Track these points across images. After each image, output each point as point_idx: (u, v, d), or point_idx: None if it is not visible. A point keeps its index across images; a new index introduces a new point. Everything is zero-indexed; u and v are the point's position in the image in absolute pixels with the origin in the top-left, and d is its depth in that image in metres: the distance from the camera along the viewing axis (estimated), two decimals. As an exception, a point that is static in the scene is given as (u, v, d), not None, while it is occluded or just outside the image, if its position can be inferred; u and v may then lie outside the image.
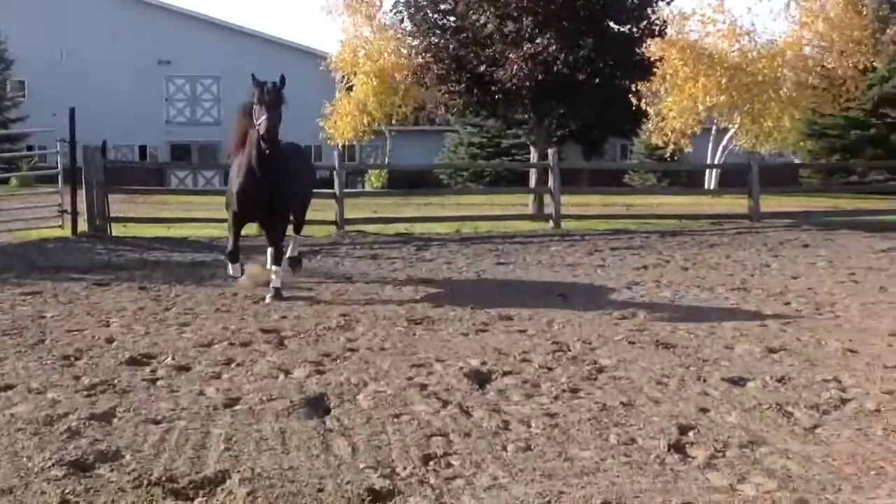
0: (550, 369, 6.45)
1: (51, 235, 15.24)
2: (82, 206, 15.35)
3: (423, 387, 5.93)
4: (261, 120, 8.55)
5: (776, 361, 6.66)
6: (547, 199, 19.25)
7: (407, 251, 13.91)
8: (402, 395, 5.70)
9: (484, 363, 6.60)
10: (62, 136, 15.76)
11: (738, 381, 6.05)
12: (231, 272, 9.86)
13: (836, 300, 9.38)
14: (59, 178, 16.43)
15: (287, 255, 10.25)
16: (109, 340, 7.30)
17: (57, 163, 16.94)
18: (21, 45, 44.72)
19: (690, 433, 4.93)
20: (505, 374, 6.29)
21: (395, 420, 5.14)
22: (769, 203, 19.22)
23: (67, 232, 15.33)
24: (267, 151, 8.68)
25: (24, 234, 15.37)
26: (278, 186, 9.12)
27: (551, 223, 17.13)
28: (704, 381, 6.07)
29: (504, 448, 4.67)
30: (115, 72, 48.09)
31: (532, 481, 4.19)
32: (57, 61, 47.91)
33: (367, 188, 42.03)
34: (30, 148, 39.08)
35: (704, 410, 5.36)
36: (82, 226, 15.41)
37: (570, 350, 7.06)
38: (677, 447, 4.68)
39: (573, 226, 17.26)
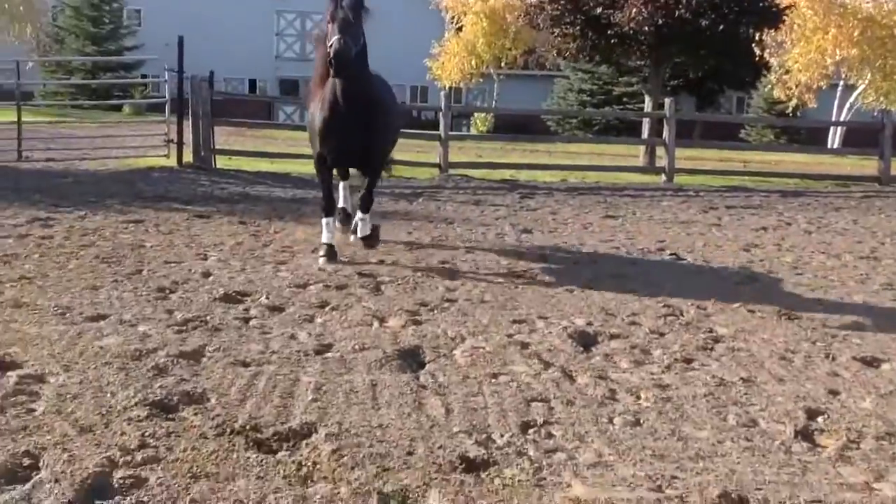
0: (662, 335, 6.00)
1: (157, 164, 15.39)
2: (189, 136, 15.42)
3: (524, 346, 5.58)
4: (331, 41, 7.06)
5: (915, 342, 6.04)
6: (659, 151, 18.47)
7: (511, 198, 13.48)
8: (502, 353, 5.36)
9: (590, 323, 6.21)
10: (172, 66, 15.80)
11: (872, 362, 5.49)
12: (324, 237, 8.04)
13: (978, 276, 8.57)
14: (167, 107, 16.53)
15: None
16: (206, 275, 7.17)
17: (165, 92, 16.99)
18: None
19: (819, 419, 4.45)
20: (612, 336, 5.88)
21: (493, 381, 4.80)
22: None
23: (173, 161, 15.44)
24: (335, 76, 7.21)
25: (132, 162, 15.58)
26: (368, 121, 7.60)
27: (664, 177, 16.39)
28: (833, 359, 5.53)
29: (610, 421, 4.29)
30: (229, 4, 48.45)
31: (641, 461, 3.81)
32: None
33: (473, 132, 41.52)
34: (144, 76, 39.78)
35: (834, 393, 4.86)
36: (188, 156, 15.50)
37: (682, 315, 6.58)
38: (805, 434, 4.23)
39: (687, 181, 16.49)
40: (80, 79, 39.24)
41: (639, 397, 4.76)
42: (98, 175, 13.92)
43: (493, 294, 6.99)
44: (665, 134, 16.72)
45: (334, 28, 7.09)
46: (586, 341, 5.78)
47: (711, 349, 5.70)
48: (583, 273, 8.03)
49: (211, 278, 7.06)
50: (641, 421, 4.31)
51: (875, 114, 31.46)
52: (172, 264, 7.52)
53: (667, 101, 17.12)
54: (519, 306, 6.65)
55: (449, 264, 8.08)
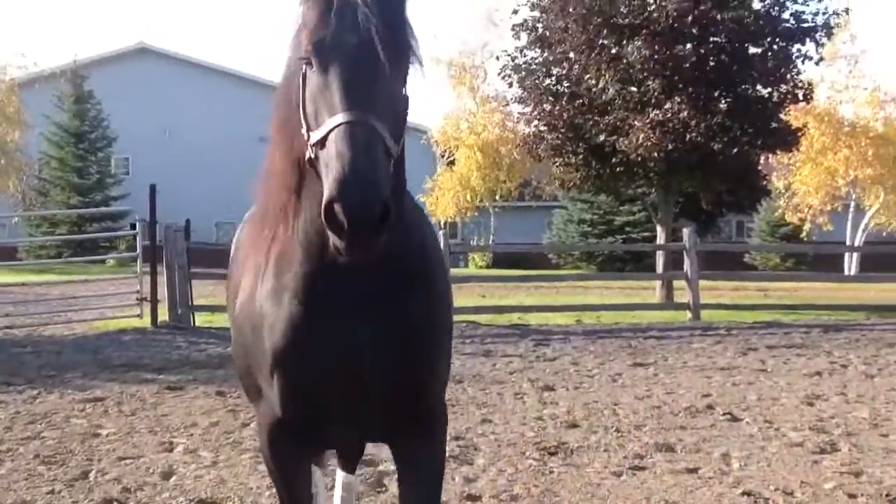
0: (754, 546, 4.57)
1: (129, 326, 13.89)
2: (164, 292, 14.04)
3: (580, 575, 4.15)
4: (328, 131, 2.27)
5: None
6: (677, 283, 17.26)
7: (524, 347, 12.15)
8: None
9: (656, 529, 4.79)
10: (144, 216, 14.53)
11: None
12: None
13: None
14: (139, 261, 14.82)
15: None
16: (166, 475, 5.76)
17: (136, 245, 15.34)
18: (125, 123, 45.15)
19: None
20: (692, 554, 4.45)
21: None
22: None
23: (147, 322, 13.99)
24: (349, 254, 2.24)
25: (102, 325, 14.10)
26: (413, 318, 2.74)
27: (689, 314, 15.11)
28: None
29: None
30: (219, 149, 48.19)
31: None
32: (160, 139, 48.44)
33: (471, 267, 40.52)
34: (133, 227, 38.98)
35: None
36: (164, 314, 14.07)
37: (769, 508, 5.16)
38: None
39: (712, 316, 15.19)
40: (65, 232, 38.36)
41: None
42: (62, 342, 12.50)
43: (524, 485, 5.57)
44: (686, 266, 15.52)
45: (338, 90, 2.29)
46: (659, 562, 4.36)
47: (828, 567, 4.27)
48: (627, 445, 6.63)
49: (173, 480, 5.65)
50: None
51: (884, 234, 30.68)
52: (128, 461, 6.11)
53: (685, 231, 16.02)
54: (560, 502, 5.24)
55: (463, 441, 6.67)
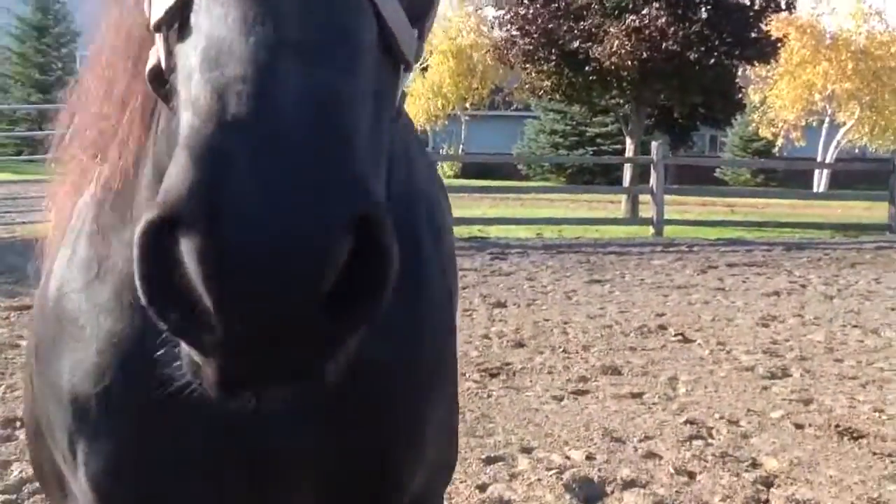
0: (692, 477, 4.33)
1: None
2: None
3: (503, 511, 3.90)
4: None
5: None
6: (644, 198, 16.91)
7: (481, 260, 11.83)
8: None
9: (590, 457, 4.55)
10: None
11: None
12: None
13: None
14: None
15: None
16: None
17: None
18: (91, 17, 43.51)
19: None
20: (625, 484, 4.20)
21: None
22: (883, 209, 16.33)
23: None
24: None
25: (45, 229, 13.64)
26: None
27: (651, 230, 14.80)
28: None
29: None
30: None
31: None
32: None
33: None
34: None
35: None
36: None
37: (712, 437, 4.93)
38: None
39: (676, 232, 14.88)
40: (24, 129, 37.31)
41: None
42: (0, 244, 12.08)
43: (460, 406, 5.27)
44: (652, 181, 15.15)
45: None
46: (590, 495, 4.11)
47: (767, 503, 4.03)
48: (573, 367, 6.37)
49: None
50: None
51: (856, 151, 30.40)
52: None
53: (654, 144, 15.55)
54: (495, 428, 4.98)
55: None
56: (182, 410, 1.09)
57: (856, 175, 24.40)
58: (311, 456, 1.31)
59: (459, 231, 14.72)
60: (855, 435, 4.96)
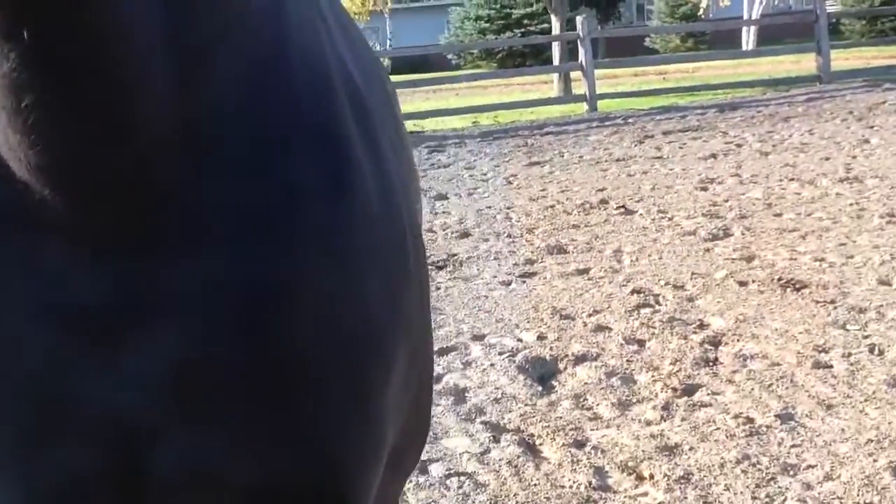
0: (641, 344, 4.39)
1: None
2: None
3: (460, 395, 3.92)
4: None
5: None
6: (574, 75, 16.74)
7: (418, 155, 11.69)
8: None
9: (542, 337, 4.58)
10: None
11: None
12: None
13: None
14: None
15: None
16: None
17: None
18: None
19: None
20: (577, 359, 4.25)
21: (417, 478, 3.17)
22: (811, 61, 16.38)
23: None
24: None
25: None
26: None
27: (585, 106, 14.71)
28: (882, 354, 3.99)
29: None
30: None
31: None
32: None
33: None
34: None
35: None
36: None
37: (659, 304, 4.99)
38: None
39: (610, 106, 14.80)
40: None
41: (641, 478, 3.15)
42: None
43: (408, 305, 5.26)
44: (581, 57, 14.96)
45: None
46: (544, 373, 4.15)
47: (716, 361, 4.11)
48: (519, 251, 6.37)
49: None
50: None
51: (780, 5, 30.40)
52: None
53: (578, 19, 15.30)
54: (446, 319, 4.99)
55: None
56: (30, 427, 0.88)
57: (783, 29, 24.43)
58: (208, 479, 0.92)
59: (394, 128, 14.51)
60: (797, 286, 5.06)
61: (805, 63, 17.99)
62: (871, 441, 3.24)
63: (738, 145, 10.12)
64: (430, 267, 6.02)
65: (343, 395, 0.94)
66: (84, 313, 0.85)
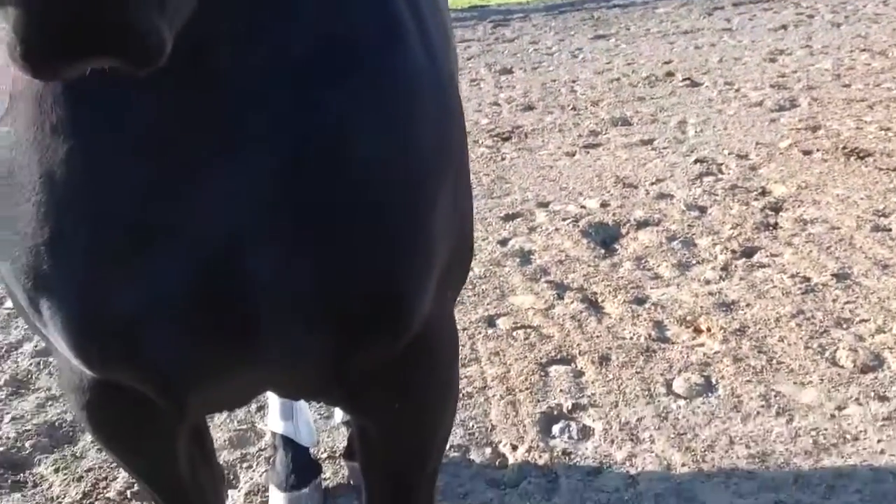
0: (703, 211, 4.50)
1: None
2: None
3: (525, 258, 4.11)
4: None
5: None
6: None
7: (483, 30, 11.61)
8: (495, 274, 3.90)
9: (605, 204, 4.71)
10: None
11: None
12: None
13: None
14: None
15: None
16: None
17: None
18: None
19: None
20: (639, 224, 4.38)
21: (484, 328, 3.39)
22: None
23: None
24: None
25: None
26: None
27: (653, -25, 14.29)
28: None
29: (669, 391, 2.87)
30: None
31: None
32: None
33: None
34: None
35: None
36: None
37: (722, 173, 5.06)
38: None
39: (678, -24, 14.38)
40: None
41: (698, 331, 3.34)
42: None
43: (475, 174, 5.43)
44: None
45: None
46: (606, 237, 4.31)
47: (776, 226, 4.22)
48: (583, 123, 6.43)
49: None
50: (714, 391, 2.88)
51: None
52: None
53: None
54: (511, 188, 5.13)
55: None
56: (143, 252, 1.06)
57: None
58: (288, 287, 1.10)
59: (457, 2, 14.37)
60: (861, 154, 5.08)
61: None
62: (924, 298, 3.36)
63: (810, 16, 9.85)
64: (495, 138, 6.16)
65: (401, 215, 1.16)
66: (174, 144, 1.02)
